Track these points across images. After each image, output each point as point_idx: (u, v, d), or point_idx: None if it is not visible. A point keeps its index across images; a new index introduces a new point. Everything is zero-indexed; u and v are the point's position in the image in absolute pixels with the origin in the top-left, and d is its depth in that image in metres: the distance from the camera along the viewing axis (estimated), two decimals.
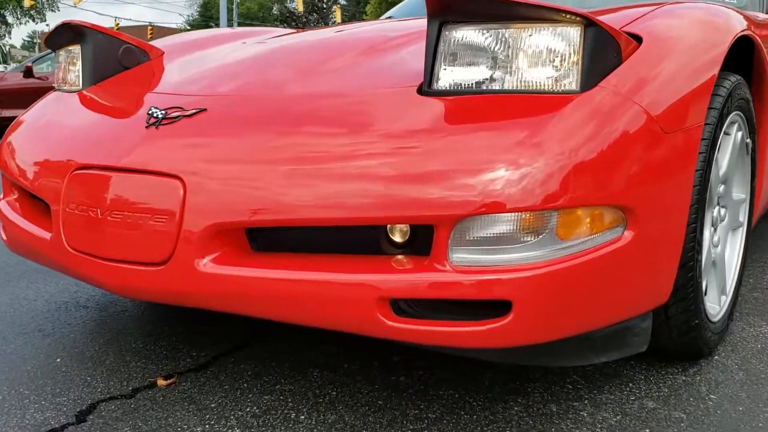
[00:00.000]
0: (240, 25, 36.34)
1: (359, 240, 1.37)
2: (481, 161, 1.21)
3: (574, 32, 1.31)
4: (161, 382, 1.65)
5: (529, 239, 1.22)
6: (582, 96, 1.29)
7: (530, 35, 1.33)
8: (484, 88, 1.35)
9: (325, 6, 49.87)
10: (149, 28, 31.07)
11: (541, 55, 1.33)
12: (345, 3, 51.22)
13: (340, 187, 1.27)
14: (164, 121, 1.51)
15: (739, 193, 1.90)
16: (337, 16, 29.29)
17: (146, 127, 1.52)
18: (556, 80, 1.32)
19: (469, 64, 1.37)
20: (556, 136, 1.23)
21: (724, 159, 1.71)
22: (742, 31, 1.68)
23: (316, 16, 50.53)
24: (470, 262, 1.23)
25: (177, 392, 1.60)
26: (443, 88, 1.38)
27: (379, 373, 1.68)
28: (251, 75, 1.72)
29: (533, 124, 1.25)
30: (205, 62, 1.95)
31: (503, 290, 1.20)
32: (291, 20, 49.86)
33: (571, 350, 1.40)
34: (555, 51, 1.32)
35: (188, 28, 51.03)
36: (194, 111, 1.52)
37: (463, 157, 1.23)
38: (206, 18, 47.70)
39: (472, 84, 1.36)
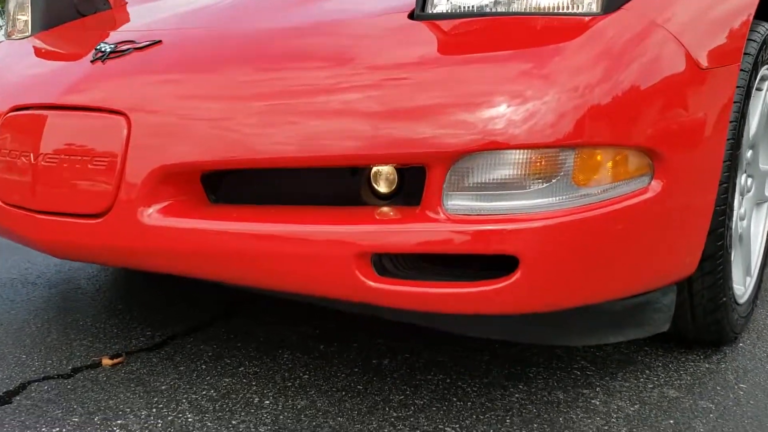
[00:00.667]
0: None
1: (337, 191, 1.15)
2: (481, 93, 1.01)
3: None
4: (106, 361, 1.42)
5: (539, 184, 1.02)
6: (604, 19, 1.08)
7: None
8: (488, 11, 1.15)
9: None
10: None
11: None
12: None
13: (317, 123, 1.06)
14: (112, 55, 1.29)
15: (766, 164, 1.70)
16: None
17: (92, 62, 1.31)
18: (574, 1, 1.11)
19: None
20: (573, 64, 1.02)
21: (754, 119, 1.51)
22: None
23: None
24: (469, 210, 1.02)
25: (123, 373, 1.38)
26: (437, 13, 1.17)
27: (359, 356, 1.46)
28: (219, 10, 1.50)
29: (545, 50, 1.04)
30: (175, 6, 1.73)
31: (508, 243, 0.99)
32: None
33: (584, 326, 1.20)
34: None
35: None
36: (147, 43, 1.31)
37: (460, 89, 1.02)
38: None
39: (472, 7, 1.16)
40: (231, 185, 1.20)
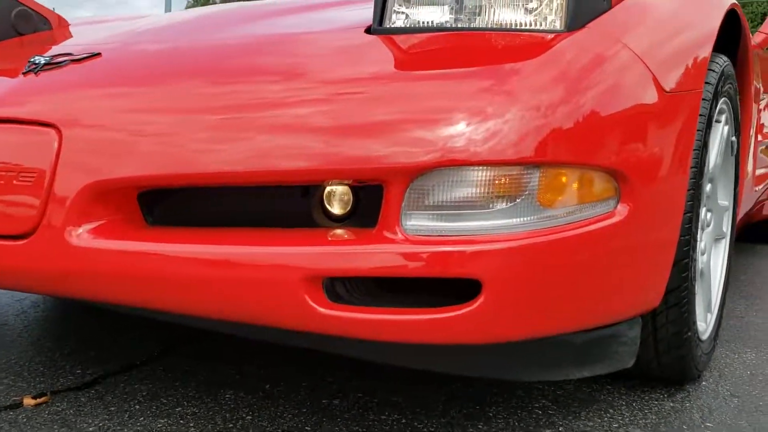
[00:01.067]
0: None
1: (287, 213, 1.07)
2: (441, 109, 0.95)
3: None
4: (29, 401, 1.29)
5: (503, 204, 0.95)
6: (568, 37, 1.05)
7: None
8: (448, 27, 1.10)
9: None
10: None
11: None
12: None
13: (268, 138, 0.98)
14: (46, 67, 1.20)
15: (723, 199, 1.68)
16: None
17: (24, 74, 1.21)
18: (536, 17, 1.07)
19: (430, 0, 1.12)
20: (536, 82, 0.98)
21: (713, 151, 1.49)
22: (731, 4, 1.48)
23: None
24: (429, 230, 0.95)
25: (47, 413, 1.25)
26: (396, 27, 1.12)
27: (307, 396, 1.36)
28: (169, 26, 1.43)
29: (507, 66, 0.99)
30: (121, 25, 1.66)
31: (471, 266, 0.92)
32: None
33: (547, 360, 1.12)
34: None
35: None
36: (85, 55, 1.22)
37: (420, 104, 0.96)
38: None
39: (432, 23, 1.11)
40: (170, 205, 1.11)
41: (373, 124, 0.95)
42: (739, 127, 1.65)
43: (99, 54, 1.22)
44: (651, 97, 1.09)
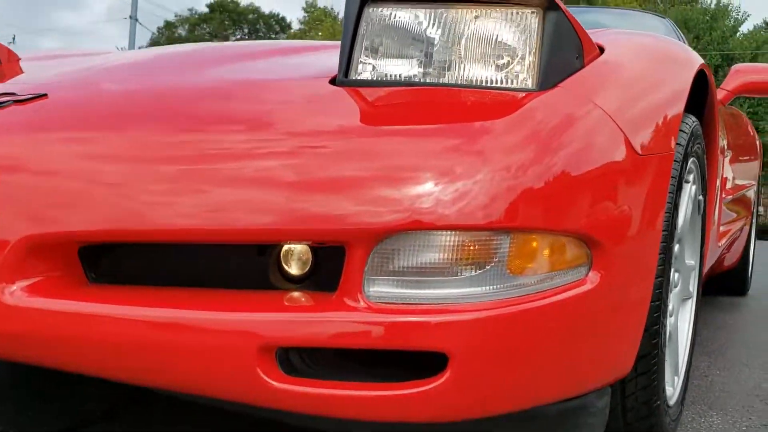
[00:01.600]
0: None
1: (242, 272, 1.00)
2: (407, 168, 0.89)
3: (532, 17, 1.04)
4: None
5: (472, 271, 0.90)
6: (540, 96, 1.01)
7: (476, 18, 1.06)
8: (416, 81, 1.05)
9: None
10: None
11: (489, 44, 1.05)
12: None
13: (223, 193, 0.91)
14: None
15: (690, 258, 1.65)
16: None
17: None
18: (507, 75, 1.04)
19: (398, 52, 1.07)
20: (507, 143, 0.93)
21: (681, 211, 1.46)
22: (701, 65, 1.48)
23: None
24: (393, 298, 0.89)
25: None
26: (362, 80, 1.07)
27: None
28: (128, 66, 1.36)
29: (477, 125, 0.95)
30: (72, 62, 1.58)
31: (438, 338, 0.86)
32: None
33: None
34: (507, 39, 1.04)
35: None
36: (30, 96, 1.15)
37: (385, 162, 0.91)
38: None
39: (399, 76, 1.06)
40: (114, 261, 1.03)
41: (335, 183, 0.89)
42: (705, 185, 1.64)
43: (45, 95, 1.15)
44: (624, 159, 1.05)
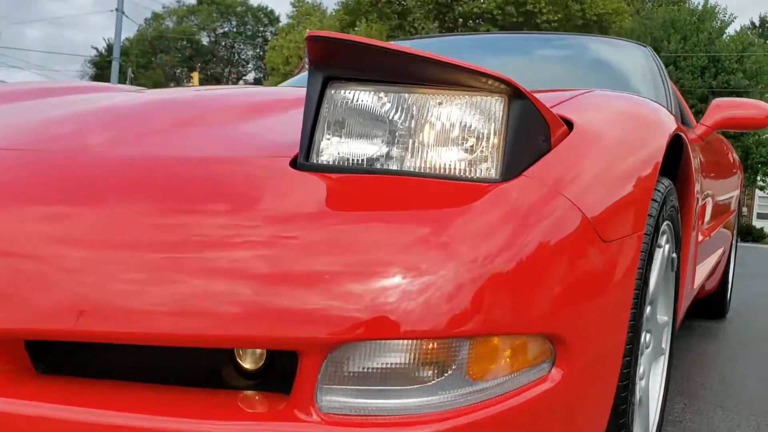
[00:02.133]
0: None
1: (194, 366, 0.97)
2: (366, 264, 0.87)
3: (496, 104, 1.01)
4: None
5: (431, 378, 0.87)
6: (503, 186, 0.98)
7: (440, 104, 1.03)
8: (378, 167, 1.03)
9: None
10: None
11: (453, 131, 1.02)
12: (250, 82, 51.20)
13: (159, 294, 0.87)
14: None
15: (663, 315, 1.64)
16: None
17: None
18: (471, 164, 1.01)
19: (360, 135, 1.04)
20: (468, 237, 0.91)
21: (653, 276, 1.44)
22: (675, 129, 1.46)
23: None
24: (348, 408, 0.86)
25: None
26: (324, 163, 1.04)
27: None
28: (69, 129, 1.32)
29: (439, 218, 0.92)
30: (17, 113, 1.53)
31: None
32: None
33: None
34: (471, 126, 1.02)
35: None
36: None
37: (341, 258, 0.88)
38: None
39: (362, 161, 1.03)
40: (64, 352, 0.99)
41: (285, 283, 0.86)
42: (680, 242, 1.62)
43: None
44: (590, 249, 1.03)
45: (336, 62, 1.04)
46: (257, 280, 0.86)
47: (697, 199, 1.91)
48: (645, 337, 1.50)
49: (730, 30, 25.42)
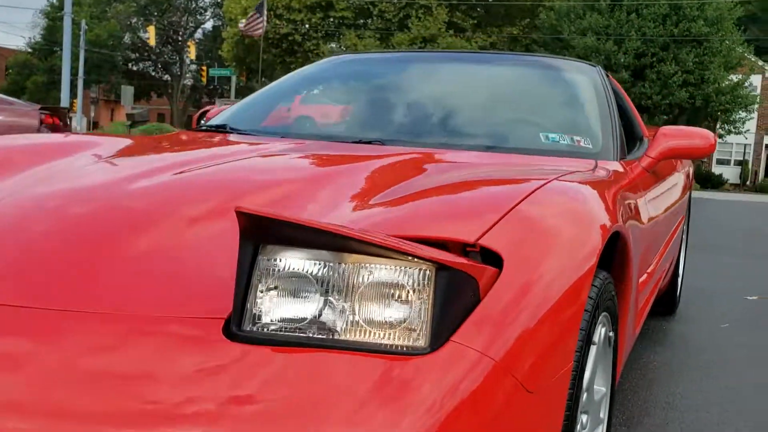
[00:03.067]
0: (87, 53, 33.99)
1: None
2: None
3: (424, 274, 1.03)
4: None
5: None
6: (431, 357, 1.01)
7: (370, 274, 1.04)
8: (310, 335, 1.04)
9: (180, 39, 48.51)
10: None
11: (383, 300, 1.04)
12: (201, 38, 50.02)
13: None
14: None
15: (601, 386, 1.70)
16: (192, 52, 27.68)
17: None
18: (400, 333, 1.03)
19: (291, 303, 1.06)
20: (398, 413, 0.94)
21: (587, 368, 1.49)
22: (615, 225, 1.49)
23: (170, 47, 49.07)
24: None
25: None
26: (256, 332, 1.05)
27: None
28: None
29: (367, 395, 0.95)
30: None
31: None
32: (143, 50, 48.03)
33: None
34: (400, 295, 1.04)
35: (30, 51, 47.59)
36: None
37: None
38: (50, 42, 44.67)
39: (294, 329, 1.05)
40: None
41: None
42: (617, 321, 1.67)
43: None
44: (516, 403, 1.07)
45: (265, 232, 1.05)
46: None
47: (635, 279, 1.93)
48: (582, 419, 1.56)
49: None
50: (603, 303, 1.48)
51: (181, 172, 1.61)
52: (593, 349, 1.50)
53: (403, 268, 1.04)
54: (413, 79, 2.71)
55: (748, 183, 29.60)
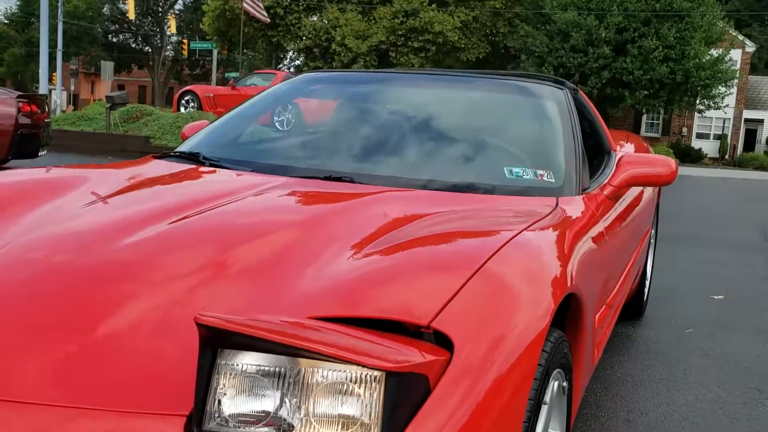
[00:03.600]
0: (66, 25, 33.40)
1: None
2: None
3: (374, 377, 1.10)
4: None
5: None
6: None
7: (324, 376, 1.11)
8: None
9: (160, 11, 47.81)
10: None
11: (336, 400, 1.11)
12: (181, 9, 49.34)
13: None
14: None
15: (556, 429, 1.78)
16: (172, 26, 27.38)
17: None
18: None
19: (250, 402, 1.12)
20: None
21: (539, 425, 1.57)
22: (569, 287, 1.56)
23: (150, 19, 48.36)
24: None
25: None
26: (215, 431, 1.11)
27: None
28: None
29: None
30: None
31: None
32: (123, 22, 47.33)
33: None
34: (352, 396, 1.10)
35: (6, 22, 46.75)
36: None
37: None
38: (27, 14, 43.88)
39: (252, 427, 1.11)
40: None
41: None
42: (571, 372, 1.75)
43: None
44: None
45: (223, 339, 1.10)
46: None
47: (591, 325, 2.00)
48: None
49: None
50: (556, 362, 1.55)
51: (170, 222, 1.66)
52: (544, 408, 1.57)
53: (354, 371, 1.10)
54: (378, 108, 2.76)
55: (726, 157, 29.88)
